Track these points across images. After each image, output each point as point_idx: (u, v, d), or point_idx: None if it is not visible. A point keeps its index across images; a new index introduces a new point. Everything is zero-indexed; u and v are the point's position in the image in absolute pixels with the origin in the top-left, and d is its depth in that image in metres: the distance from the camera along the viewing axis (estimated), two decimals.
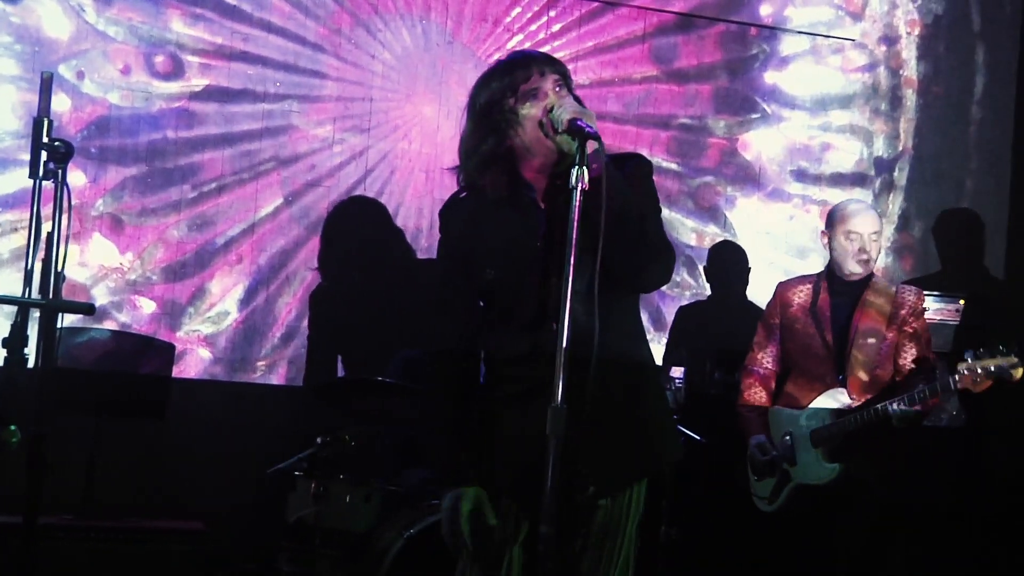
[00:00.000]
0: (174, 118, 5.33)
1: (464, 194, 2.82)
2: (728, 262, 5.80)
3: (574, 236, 2.47)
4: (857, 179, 6.17)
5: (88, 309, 3.17)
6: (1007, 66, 6.31)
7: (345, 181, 5.54)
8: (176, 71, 5.33)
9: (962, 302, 5.42)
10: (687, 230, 5.94)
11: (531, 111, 2.67)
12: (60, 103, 5.09)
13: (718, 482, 4.88)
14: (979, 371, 3.91)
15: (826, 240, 4.47)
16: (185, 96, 5.34)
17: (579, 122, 2.53)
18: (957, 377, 3.95)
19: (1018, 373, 3.89)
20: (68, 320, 4.51)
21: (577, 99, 2.70)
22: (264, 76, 5.44)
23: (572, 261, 2.46)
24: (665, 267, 2.71)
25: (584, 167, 2.48)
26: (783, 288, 4.57)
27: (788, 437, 4.35)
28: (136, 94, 5.29)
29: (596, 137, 2.48)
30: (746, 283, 5.79)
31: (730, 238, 5.92)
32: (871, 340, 4.31)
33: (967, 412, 5.29)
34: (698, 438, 4.72)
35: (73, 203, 3.02)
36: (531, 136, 2.68)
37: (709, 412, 5.10)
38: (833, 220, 4.44)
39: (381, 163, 5.59)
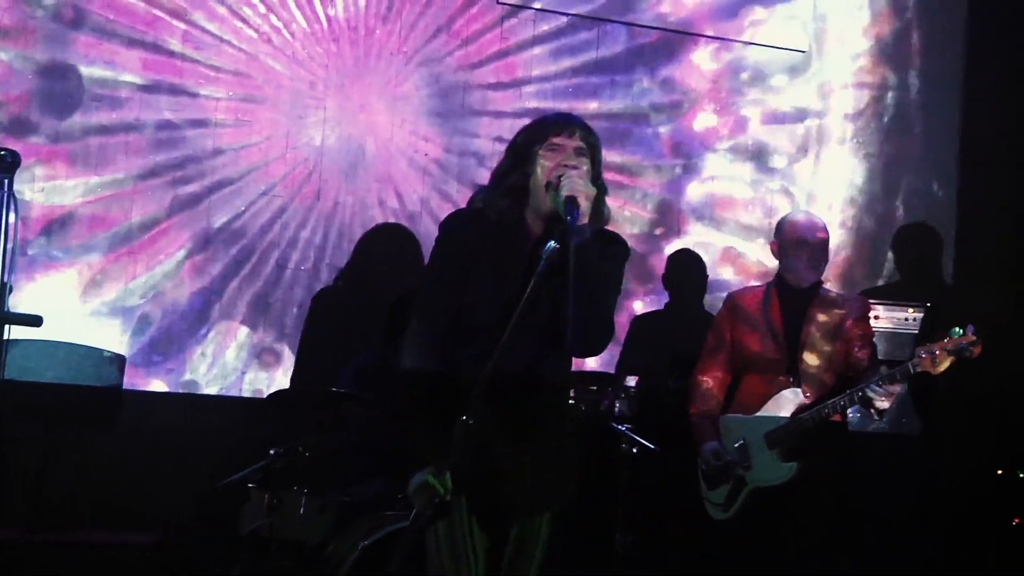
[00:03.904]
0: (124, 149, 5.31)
1: (468, 212, 3.16)
2: (686, 270, 5.83)
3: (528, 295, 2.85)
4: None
5: (35, 321, 3.13)
6: (952, 76, 6.41)
7: (299, 191, 5.52)
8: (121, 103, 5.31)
9: (910, 310, 5.48)
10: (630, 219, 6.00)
11: (546, 162, 3.03)
12: None
13: (673, 490, 4.91)
14: (937, 352, 3.99)
15: (775, 250, 4.53)
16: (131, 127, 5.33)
17: (569, 207, 2.88)
18: (916, 360, 4.02)
19: (977, 350, 3.98)
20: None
21: (598, 174, 3.08)
22: (215, 87, 5.42)
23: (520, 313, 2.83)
24: (596, 345, 3.05)
25: (559, 244, 2.86)
26: (733, 297, 4.63)
27: (742, 442, 4.38)
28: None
29: (568, 233, 2.85)
30: (704, 291, 5.83)
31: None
32: (821, 346, 4.38)
33: (920, 420, 5.36)
34: (651, 447, 4.74)
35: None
36: (541, 180, 3.03)
37: (663, 420, 5.12)
38: (782, 230, 4.52)
39: (335, 173, 5.58)
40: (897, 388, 4.08)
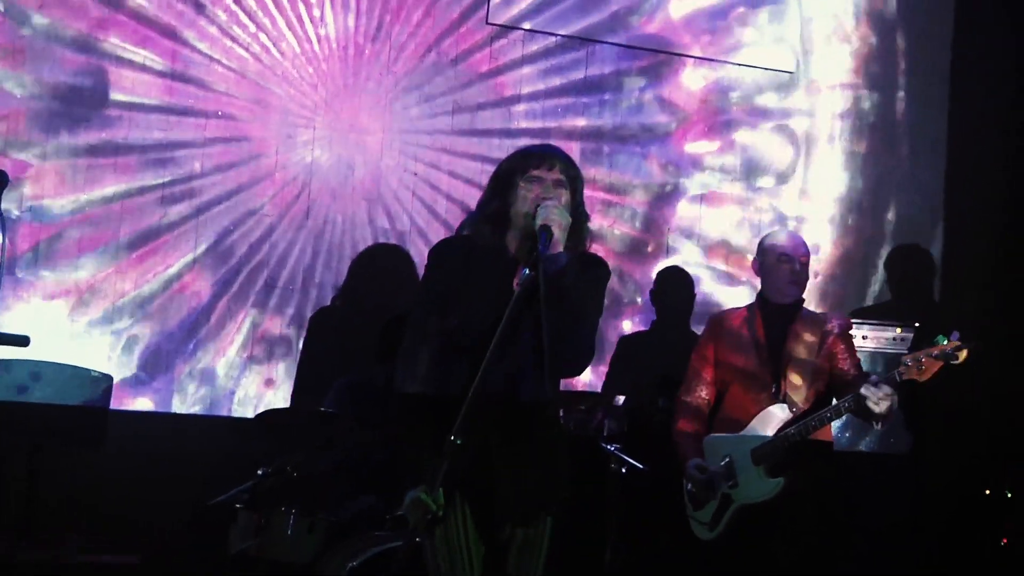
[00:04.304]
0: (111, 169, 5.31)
1: (456, 239, 3.28)
2: (674, 288, 5.84)
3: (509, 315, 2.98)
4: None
5: (22, 341, 3.13)
6: (938, 96, 6.45)
7: (288, 210, 5.52)
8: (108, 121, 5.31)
9: (898, 330, 5.50)
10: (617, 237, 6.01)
11: (526, 193, 3.14)
12: None
13: (662, 508, 4.90)
14: (923, 359, 3.98)
15: (757, 267, 4.55)
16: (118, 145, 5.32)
17: (542, 236, 3.00)
18: (902, 369, 4.01)
19: (963, 354, 3.96)
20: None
21: (578, 203, 3.20)
22: (205, 105, 5.43)
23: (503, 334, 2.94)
24: (576, 366, 3.20)
25: (533, 271, 2.99)
26: (716, 318, 4.66)
27: (728, 459, 4.38)
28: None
29: (540, 261, 2.96)
30: (691, 309, 5.84)
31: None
32: (804, 361, 4.39)
33: (909, 437, 5.36)
34: (640, 466, 4.74)
35: None
36: (520, 210, 3.15)
37: (651, 439, 5.12)
38: (764, 246, 4.54)
39: (325, 192, 5.58)
40: (891, 391, 4.02)
